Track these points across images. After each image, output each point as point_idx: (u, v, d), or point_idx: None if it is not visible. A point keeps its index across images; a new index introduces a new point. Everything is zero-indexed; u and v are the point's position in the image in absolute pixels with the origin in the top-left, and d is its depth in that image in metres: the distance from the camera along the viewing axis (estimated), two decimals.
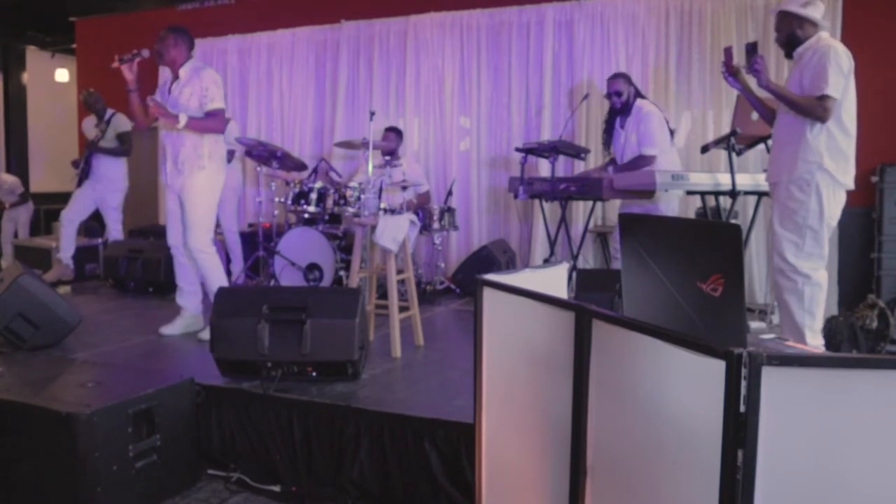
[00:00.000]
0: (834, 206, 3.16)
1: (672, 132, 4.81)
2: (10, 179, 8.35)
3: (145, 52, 3.93)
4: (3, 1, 8.09)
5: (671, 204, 4.62)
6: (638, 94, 4.78)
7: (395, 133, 5.94)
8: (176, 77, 3.97)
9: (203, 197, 3.94)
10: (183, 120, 3.78)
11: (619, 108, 4.76)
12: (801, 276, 3.15)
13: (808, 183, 3.11)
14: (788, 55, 3.32)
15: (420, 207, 5.48)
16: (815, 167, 3.10)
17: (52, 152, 9.45)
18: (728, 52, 3.34)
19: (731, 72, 3.29)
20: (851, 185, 3.18)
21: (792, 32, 3.22)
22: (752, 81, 3.31)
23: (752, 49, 3.23)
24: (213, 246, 4.04)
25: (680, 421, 1.26)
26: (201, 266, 3.99)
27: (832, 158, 3.11)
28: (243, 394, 3.00)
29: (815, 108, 3.05)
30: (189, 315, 4.15)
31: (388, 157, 5.72)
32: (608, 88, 4.83)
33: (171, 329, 4.12)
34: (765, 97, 3.43)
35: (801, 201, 3.13)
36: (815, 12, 3.21)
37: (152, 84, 4.71)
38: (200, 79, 3.89)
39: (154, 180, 7.32)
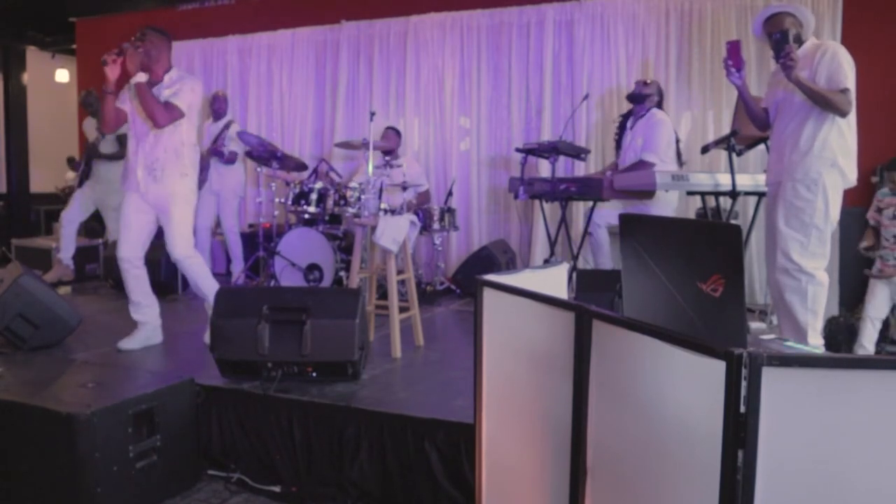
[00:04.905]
0: (837, 205, 3.18)
1: (680, 154, 4.86)
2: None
3: (126, 46, 3.65)
4: (3, 1, 8.09)
5: (666, 210, 4.60)
6: (658, 104, 4.90)
7: (394, 132, 5.95)
8: (158, 81, 3.77)
9: (188, 205, 3.81)
10: (140, 77, 3.58)
11: (632, 98, 4.90)
12: (806, 275, 3.16)
13: (816, 182, 3.13)
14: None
15: (420, 207, 5.48)
16: (827, 164, 3.12)
17: (52, 152, 9.44)
18: (736, 45, 3.24)
19: (738, 66, 3.25)
20: (855, 181, 3.21)
21: (798, 34, 3.24)
22: (750, 80, 3.29)
23: (783, 39, 3.09)
24: (195, 249, 3.89)
25: (680, 421, 1.26)
26: (190, 272, 3.84)
27: (843, 156, 3.14)
28: (243, 394, 3.00)
29: (842, 102, 3.07)
30: (150, 328, 3.92)
31: (387, 157, 5.72)
32: (636, 85, 4.97)
33: (130, 343, 3.83)
34: (759, 98, 3.42)
35: (808, 200, 3.14)
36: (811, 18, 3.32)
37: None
38: (182, 82, 3.76)
39: None
